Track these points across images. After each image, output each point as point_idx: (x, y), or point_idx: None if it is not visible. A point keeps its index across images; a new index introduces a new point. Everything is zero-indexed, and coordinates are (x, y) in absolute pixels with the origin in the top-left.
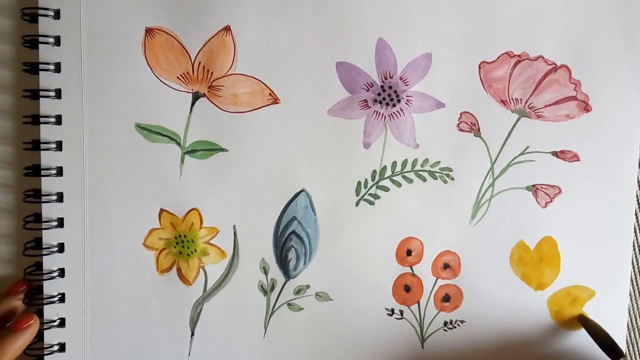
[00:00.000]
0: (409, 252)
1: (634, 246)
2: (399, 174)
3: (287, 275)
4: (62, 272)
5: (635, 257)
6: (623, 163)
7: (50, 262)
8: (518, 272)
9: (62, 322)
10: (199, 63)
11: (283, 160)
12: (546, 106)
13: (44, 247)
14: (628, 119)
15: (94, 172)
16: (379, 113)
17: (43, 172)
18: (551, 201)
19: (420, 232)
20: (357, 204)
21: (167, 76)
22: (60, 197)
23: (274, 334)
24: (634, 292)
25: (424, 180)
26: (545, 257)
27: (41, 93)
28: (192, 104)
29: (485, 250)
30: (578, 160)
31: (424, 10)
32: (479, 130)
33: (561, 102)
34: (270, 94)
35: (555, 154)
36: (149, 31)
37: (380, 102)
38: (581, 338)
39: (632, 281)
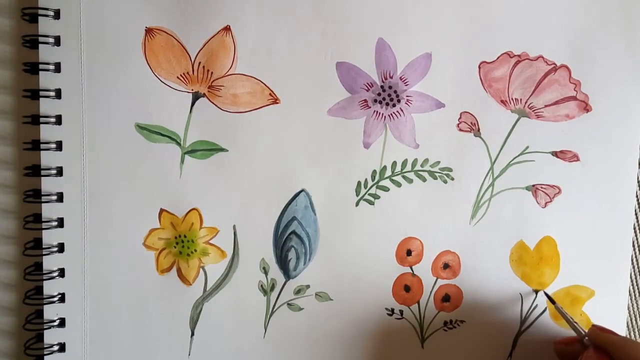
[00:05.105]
0: (409, 252)
1: (633, 245)
2: (399, 174)
3: (287, 275)
4: (62, 272)
5: (635, 256)
6: (623, 163)
7: (50, 262)
8: (518, 272)
9: (62, 322)
10: (199, 63)
11: (283, 160)
12: (546, 106)
13: (44, 247)
14: (628, 119)
15: (94, 172)
16: (379, 113)
17: (43, 172)
18: (551, 201)
19: (420, 232)
20: (357, 204)
21: (167, 76)
22: (60, 197)
23: (274, 334)
24: (634, 291)
25: (424, 180)
26: (545, 257)
27: (41, 93)
28: (192, 104)
29: (485, 250)
30: (578, 160)
31: (424, 10)
32: (478, 130)
33: (561, 102)
34: (270, 94)
35: (555, 154)
36: (149, 31)
37: (380, 102)
38: None
39: (631, 280)
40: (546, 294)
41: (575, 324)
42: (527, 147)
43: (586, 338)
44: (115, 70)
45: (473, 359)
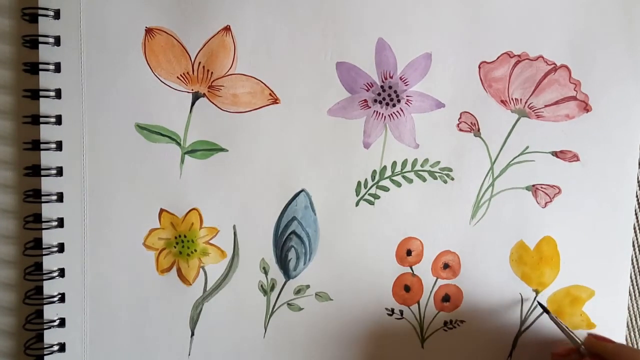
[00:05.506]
0: (409, 252)
1: (633, 245)
2: (399, 174)
3: (287, 275)
4: (62, 272)
5: (635, 256)
6: (623, 163)
7: (50, 262)
8: (518, 272)
9: (62, 322)
10: (199, 63)
11: (283, 160)
12: (546, 106)
13: (44, 247)
14: (628, 119)
15: (94, 172)
16: (379, 113)
17: (43, 172)
18: (551, 201)
19: (420, 232)
20: (357, 204)
21: (167, 76)
22: (60, 197)
23: (274, 334)
24: (634, 291)
25: (424, 180)
26: (545, 257)
27: (41, 93)
28: (192, 104)
29: (485, 250)
30: (578, 160)
31: (424, 10)
32: (478, 130)
33: (561, 102)
34: (270, 94)
35: (555, 154)
36: (149, 31)
37: (380, 102)
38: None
39: (631, 280)
40: (539, 304)
41: (571, 333)
42: (527, 147)
43: (582, 347)
44: (115, 70)
45: (473, 359)
